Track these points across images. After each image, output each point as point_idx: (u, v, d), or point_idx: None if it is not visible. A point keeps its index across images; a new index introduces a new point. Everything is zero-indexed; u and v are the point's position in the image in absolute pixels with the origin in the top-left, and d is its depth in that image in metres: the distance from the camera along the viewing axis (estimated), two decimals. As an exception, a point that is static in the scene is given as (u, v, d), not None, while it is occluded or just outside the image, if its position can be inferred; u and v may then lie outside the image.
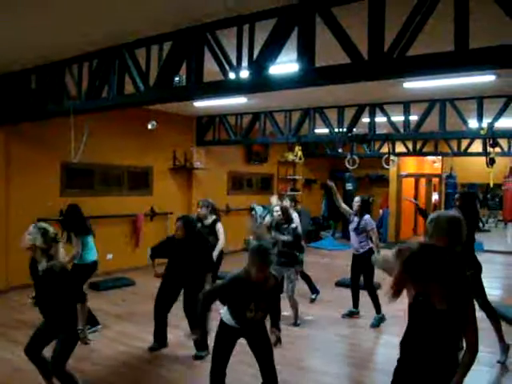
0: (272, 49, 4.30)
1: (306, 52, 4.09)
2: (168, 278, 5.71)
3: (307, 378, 5.03)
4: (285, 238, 6.60)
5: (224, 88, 4.83)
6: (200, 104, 9.47)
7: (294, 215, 7.46)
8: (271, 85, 4.50)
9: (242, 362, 4.71)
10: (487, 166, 8.80)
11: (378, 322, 6.74)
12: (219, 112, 11.03)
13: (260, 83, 4.47)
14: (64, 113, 6.43)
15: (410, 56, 3.78)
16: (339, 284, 9.12)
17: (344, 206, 7.25)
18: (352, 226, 7.04)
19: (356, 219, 6.98)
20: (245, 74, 4.60)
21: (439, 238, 3.26)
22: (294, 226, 6.77)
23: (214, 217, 7.39)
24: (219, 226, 7.29)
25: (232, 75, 4.70)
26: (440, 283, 2.71)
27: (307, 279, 8.06)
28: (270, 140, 11.43)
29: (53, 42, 5.67)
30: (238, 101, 8.92)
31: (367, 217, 6.97)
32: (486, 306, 5.46)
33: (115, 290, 8.64)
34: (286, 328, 6.25)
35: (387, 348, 5.64)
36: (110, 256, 9.59)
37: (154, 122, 6.25)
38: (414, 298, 2.85)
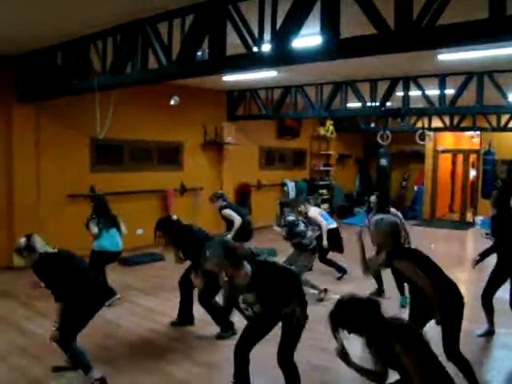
0: (295, 20, 4.11)
1: (330, 23, 3.88)
2: None
3: (335, 362, 4.88)
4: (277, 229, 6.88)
5: (246, 62, 4.68)
6: (229, 78, 9.32)
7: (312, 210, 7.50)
8: (294, 58, 4.32)
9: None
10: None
11: (406, 301, 6.58)
12: (250, 86, 10.86)
13: (283, 56, 4.30)
14: (90, 89, 6.38)
15: (441, 25, 3.53)
16: (370, 262, 8.93)
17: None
18: None
19: None
20: (267, 47, 4.43)
21: None
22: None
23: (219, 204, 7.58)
24: (226, 211, 7.48)
25: (255, 48, 4.54)
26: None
27: (329, 263, 7.90)
28: (300, 114, 11.22)
29: (77, 18, 5.63)
30: (267, 74, 8.74)
31: (393, 211, 6.76)
32: None
33: (144, 265, 8.71)
34: (311, 307, 6.16)
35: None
36: (139, 231, 9.63)
37: (177, 98, 6.17)
38: None
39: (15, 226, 8.14)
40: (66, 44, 6.75)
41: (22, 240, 4.17)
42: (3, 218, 8.14)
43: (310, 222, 7.19)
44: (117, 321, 5.91)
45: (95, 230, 6.46)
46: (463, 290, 3.77)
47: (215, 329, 5.46)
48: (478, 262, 5.54)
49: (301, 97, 10.32)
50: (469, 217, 14.92)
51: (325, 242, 7.30)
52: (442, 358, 3.34)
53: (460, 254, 9.88)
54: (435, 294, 3.62)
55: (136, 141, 9.97)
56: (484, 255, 5.54)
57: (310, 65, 7.36)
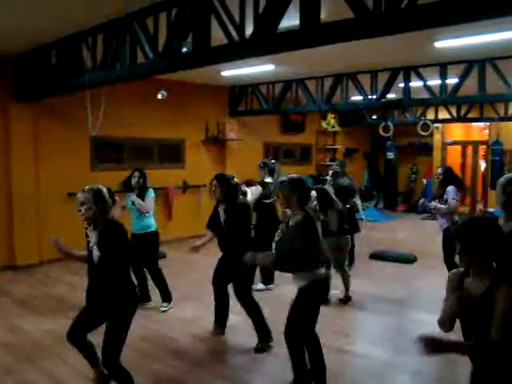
0: (276, 6, 4.00)
1: (309, 8, 3.77)
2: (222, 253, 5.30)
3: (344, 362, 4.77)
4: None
5: (230, 51, 4.58)
6: (228, 73, 9.25)
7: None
8: (275, 45, 4.20)
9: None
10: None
11: None
12: (251, 81, 10.77)
13: (264, 44, 4.18)
14: (82, 86, 6.40)
15: (423, 4, 3.33)
16: (373, 256, 8.82)
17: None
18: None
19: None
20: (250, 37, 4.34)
21: None
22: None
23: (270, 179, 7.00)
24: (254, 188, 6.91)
25: (237, 37, 4.46)
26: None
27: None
28: (301, 109, 11.09)
29: (65, 16, 5.63)
30: (265, 68, 8.66)
31: (450, 188, 6.23)
32: None
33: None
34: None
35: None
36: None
37: (164, 92, 6.12)
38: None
39: (15, 226, 8.18)
40: (60, 42, 6.74)
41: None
42: (2, 218, 8.16)
43: None
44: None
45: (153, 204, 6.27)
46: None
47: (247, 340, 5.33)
48: None
49: (302, 91, 10.21)
50: (479, 209, 14.68)
51: None
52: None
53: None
54: None
55: (136, 138, 9.94)
56: None
57: (307, 57, 7.37)
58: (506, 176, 3.76)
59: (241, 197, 5.30)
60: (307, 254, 3.76)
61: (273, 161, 7.50)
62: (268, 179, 6.99)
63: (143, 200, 6.14)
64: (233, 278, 5.09)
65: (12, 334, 5.35)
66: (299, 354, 3.96)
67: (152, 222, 6.26)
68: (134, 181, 6.25)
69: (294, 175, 4.10)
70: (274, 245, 3.92)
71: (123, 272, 3.69)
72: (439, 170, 6.47)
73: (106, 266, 3.55)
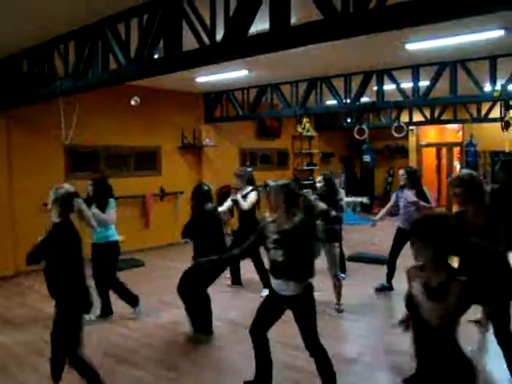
0: (246, 9, 4.02)
1: (280, 10, 3.79)
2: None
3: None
4: (333, 212, 6.04)
5: (201, 55, 4.57)
6: (203, 80, 9.25)
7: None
8: (247, 49, 4.22)
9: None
10: (502, 131, 8.32)
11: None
12: (226, 88, 10.77)
13: (236, 47, 4.19)
14: (54, 95, 6.30)
15: (391, 5, 3.40)
16: (351, 259, 8.86)
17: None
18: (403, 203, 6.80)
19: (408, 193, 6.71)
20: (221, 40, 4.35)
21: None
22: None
23: (249, 188, 6.97)
24: (252, 194, 6.91)
25: (208, 41, 4.47)
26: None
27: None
28: (276, 113, 11.11)
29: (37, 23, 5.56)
30: (239, 74, 8.67)
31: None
32: None
33: (124, 271, 8.55)
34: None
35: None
36: (119, 237, 9.51)
37: (137, 98, 6.14)
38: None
39: (-12, 238, 8.05)
40: (31, 50, 6.65)
41: None
42: (-24, 229, 8.03)
43: None
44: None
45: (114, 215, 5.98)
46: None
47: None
48: None
49: (276, 96, 10.23)
50: (455, 209, 14.85)
51: None
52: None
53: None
54: None
55: (111, 146, 9.87)
56: None
57: (280, 61, 7.40)
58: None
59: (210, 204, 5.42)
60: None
61: (249, 169, 7.47)
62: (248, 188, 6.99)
63: (103, 211, 5.89)
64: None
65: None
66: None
67: (112, 232, 6.03)
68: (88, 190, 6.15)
69: (285, 180, 4.14)
70: (275, 252, 3.78)
71: (68, 277, 3.73)
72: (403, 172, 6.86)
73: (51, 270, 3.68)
